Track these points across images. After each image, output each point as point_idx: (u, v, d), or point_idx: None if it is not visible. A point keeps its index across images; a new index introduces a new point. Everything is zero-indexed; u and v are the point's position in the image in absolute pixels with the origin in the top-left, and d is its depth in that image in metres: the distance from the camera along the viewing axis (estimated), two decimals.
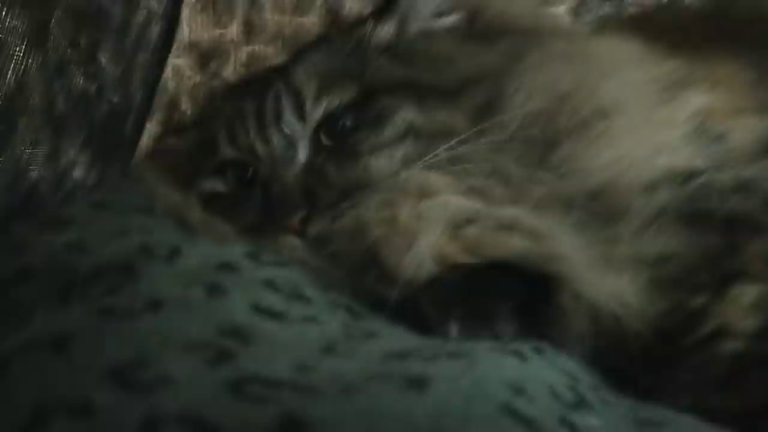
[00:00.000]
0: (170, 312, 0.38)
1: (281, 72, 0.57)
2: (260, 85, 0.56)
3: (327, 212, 0.49)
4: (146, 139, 0.66)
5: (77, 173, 0.61)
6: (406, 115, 0.51)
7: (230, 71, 0.64)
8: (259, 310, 0.40)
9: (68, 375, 0.32)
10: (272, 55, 0.64)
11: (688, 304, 0.44)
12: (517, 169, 0.47)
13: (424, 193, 0.46)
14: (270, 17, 0.65)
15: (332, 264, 0.48)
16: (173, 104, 0.65)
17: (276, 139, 0.54)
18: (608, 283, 0.44)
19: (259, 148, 0.54)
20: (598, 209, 0.46)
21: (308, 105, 0.53)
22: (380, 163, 0.50)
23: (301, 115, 0.53)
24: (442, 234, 0.44)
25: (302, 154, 0.53)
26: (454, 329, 0.43)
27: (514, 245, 0.44)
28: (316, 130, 0.53)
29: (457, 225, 0.45)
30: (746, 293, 0.44)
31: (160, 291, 0.39)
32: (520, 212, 0.45)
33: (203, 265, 0.44)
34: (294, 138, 0.53)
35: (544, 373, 0.37)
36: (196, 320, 0.37)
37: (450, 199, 0.46)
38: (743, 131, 0.49)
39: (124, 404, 0.30)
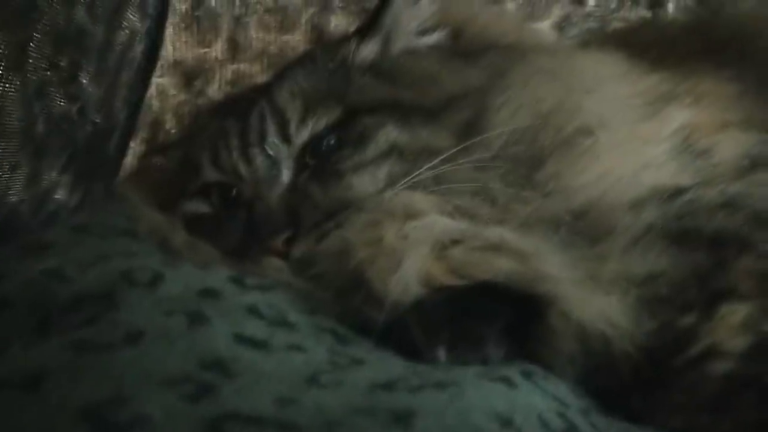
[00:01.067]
0: (150, 344, 0.36)
1: (265, 91, 0.55)
2: (244, 105, 0.54)
3: (311, 233, 0.48)
4: (130, 158, 0.64)
5: (59, 195, 0.59)
6: (389, 133, 0.50)
7: (215, 89, 0.63)
8: (242, 339, 0.38)
9: (41, 416, 0.29)
10: (257, 73, 0.62)
11: (677, 324, 0.43)
12: (502, 188, 0.45)
13: (410, 214, 0.45)
14: (254, 35, 0.63)
15: (317, 286, 0.46)
16: (157, 123, 0.64)
17: (259, 160, 0.52)
18: (596, 302, 0.42)
19: (243, 168, 0.52)
20: (585, 228, 0.44)
21: (293, 127, 0.52)
22: (363, 182, 0.49)
23: (286, 137, 0.52)
24: (428, 255, 0.43)
25: (286, 174, 0.51)
26: (442, 354, 0.41)
27: (500, 266, 0.42)
28: (301, 152, 0.51)
29: (443, 246, 0.43)
30: (735, 312, 0.42)
31: (141, 321, 0.38)
32: (506, 232, 0.43)
33: (185, 292, 0.42)
34: (278, 159, 0.52)
35: (533, 400, 0.35)
36: (176, 352, 0.35)
37: (436, 220, 0.44)
38: (728, 146, 0.48)
39: None
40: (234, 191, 0.53)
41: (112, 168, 0.63)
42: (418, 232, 0.44)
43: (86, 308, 0.39)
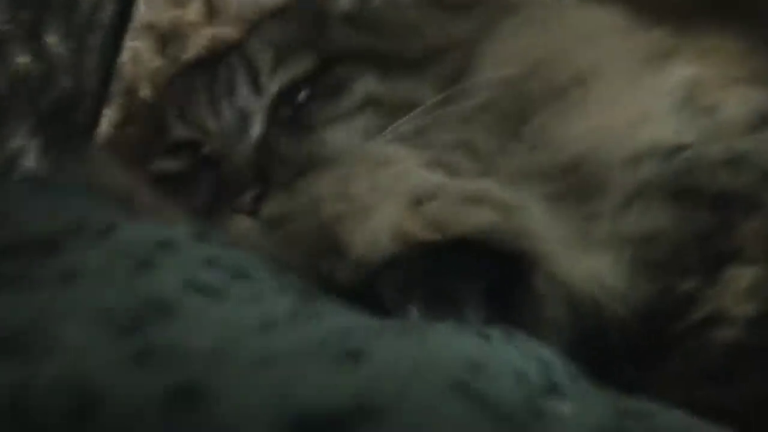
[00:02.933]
0: (86, 283, 0.32)
1: (236, 46, 0.52)
2: (212, 60, 0.52)
3: (281, 190, 0.44)
4: (105, 127, 0.61)
5: (28, 162, 0.57)
6: (366, 84, 0.47)
7: (192, 55, 0.60)
8: (193, 285, 0.34)
9: None
10: (236, 38, 0.59)
11: (677, 288, 0.39)
12: (487, 141, 0.42)
13: (382, 165, 0.42)
14: None
15: (287, 247, 0.43)
16: (132, 90, 0.61)
17: (228, 114, 0.49)
18: (586, 263, 0.38)
19: (211, 123, 0.49)
20: (575, 183, 0.41)
21: (263, 77, 0.49)
22: (337, 136, 0.46)
23: (256, 88, 0.49)
24: (402, 208, 0.39)
25: (256, 129, 0.48)
26: (414, 313, 0.38)
27: (481, 219, 0.39)
28: (272, 104, 0.48)
29: (418, 199, 0.40)
30: (742, 276, 0.39)
31: (81, 263, 0.34)
32: (489, 184, 0.40)
33: (139, 241, 0.38)
34: (247, 112, 0.48)
35: (511, 355, 0.32)
36: (114, 291, 0.32)
37: (410, 170, 0.41)
38: (736, 103, 0.44)
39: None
40: (203, 149, 0.50)
41: (84, 136, 0.60)
42: (390, 183, 0.41)
43: (24, 253, 0.36)
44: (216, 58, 0.53)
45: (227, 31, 0.59)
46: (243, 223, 0.45)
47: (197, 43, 0.59)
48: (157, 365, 0.25)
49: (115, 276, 0.34)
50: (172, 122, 0.51)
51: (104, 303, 0.31)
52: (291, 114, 0.48)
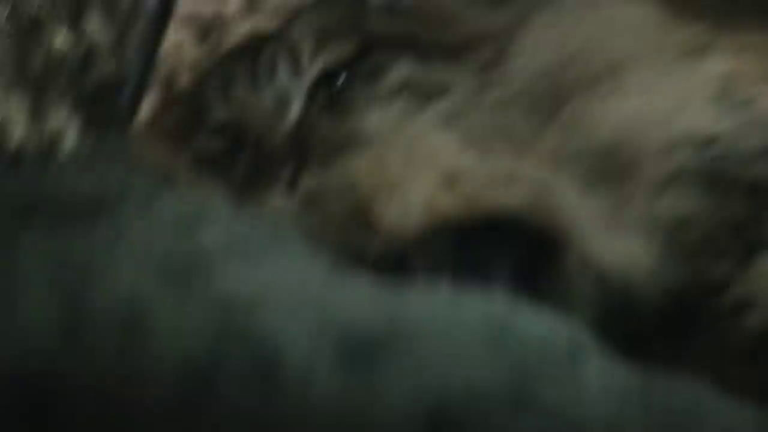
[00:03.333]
0: (133, 241, 0.34)
1: (277, 33, 0.53)
2: (253, 49, 0.53)
3: (318, 168, 0.45)
4: (146, 112, 0.63)
5: (68, 143, 0.58)
6: (403, 68, 0.47)
7: (232, 44, 0.61)
8: (228, 247, 0.35)
9: None
10: (275, 28, 0.60)
11: (708, 272, 0.39)
12: (522, 125, 0.43)
13: (416, 145, 0.42)
14: None
15: (322, 223, 0.43)
16: (172, 78, 0.62)
17: (269, 95, 0.49)
18: (618, 244, 0.39)
19: (252, 103, 0.50)
20: (608, 167, 0.41)
21: (304, 60, 0.49)
22: (374, 117, 0.46)
23: (297, 70, 0.49)
24: (434, 185, 0.40)
25: (295, 109, 0.48)
26: (443, 287, 0.38)
27: (513, 198, 0.39)
28: (313, 87, 0.49)
29: (451, 177, 0.40)
30: None
31: (127, 226, 0.36)
32: (522, 165, 0.41)
33: (179, 210, 0.39)
34: (288, 94, 0.49)
35: (536, 322, 0.32)
36: (160, 247, 0.33)
37: (444, 149, 0.42)
38: None
39: None
40: (243, 129, 0.51)
41: (124, 120, 0.61)
42: (425, 159, 0.41)
43: (72, 218, 0.37)
44: (256, 47, 0.54)
45: (266, 23, 0.60)
46: (279, 200, 0.46)
47: (237, 34, 0.60)
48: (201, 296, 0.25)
49: (158, 238, 0.35)
50: (213, 104, 0.52)
51: (151, 253, 0.32)
52: (330, 96, 0.48)
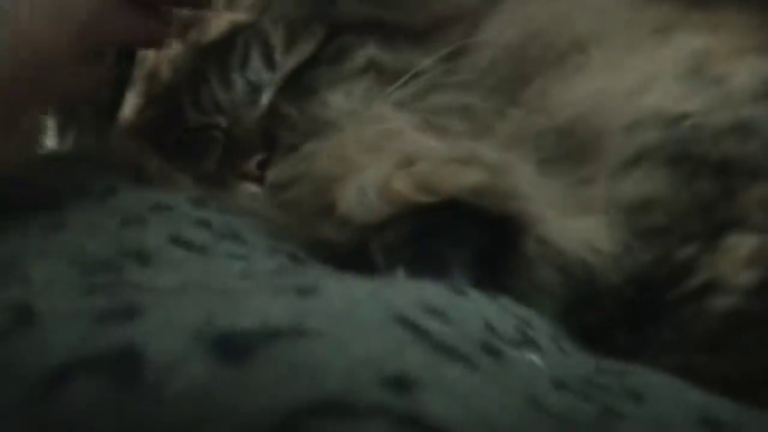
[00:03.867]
0: (69, 233, 0.33)
1: (250, 25, 0.52)
2: (227, 41, 0.52)
3: (285, 155, 0.44)
4: (127, 112, 0.63)
5: (49, 141, 0.58)
6: (368, 50, 0.46)
7: (209, 38, 0.60)
8: (177, 241, 0.34)
9: None
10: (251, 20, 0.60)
11: (674, 255, 0.38)
12: (485, 105, 0.42)
13: (374, 126, 0.41)
14: None
15: (287, 210, 0.42)
16: (153, 75, 0.62)
17: (240, 86, 0.48)
18: (578, 227, 0.37)
19: (222, 97, 0.49)
20: (569, 147, 0.40)
21: (277, 54, 0.48)
22: (339, 99, 0.45)
23: (270, 63, 0.49)
24: (390, 167, 0.39)
25: (265, 98, 0.48)
26: (401, 276, 0.37)
27: (469, 180, 0.38)
28: (285, 79, 0.48)
29: (408, 159, 0.39)
30: (742, 244, 0.38)
31: (73, 217, 0.35)
32: (479, 146, 0.39)
33: (135, 204, 0.38)
34: (260, 86, 0.48)
35: (483, 308, 0.31)
36: (96, 242, 0.32)
37: (402, 131, 0.41)
38: (745, 72, 0.43)
39: None
40: (214, 131, 0.49)
41: (105, 118, 0.61)
42: (380, 142, 0.40)
43: (24, 211, 0.36)
44: (231, 38, 0.53)
45: (243, 15, 0.59)
46: (249, 189, 0.45)
47: (215, 28, 0.60)
48: (106, 295, 0.25)
49: (103, 229, 0.34)
50: (186, 108, 0.51)
51: (83, 248, 0.31)
52: (298, 82, 0.47)
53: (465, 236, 0.38)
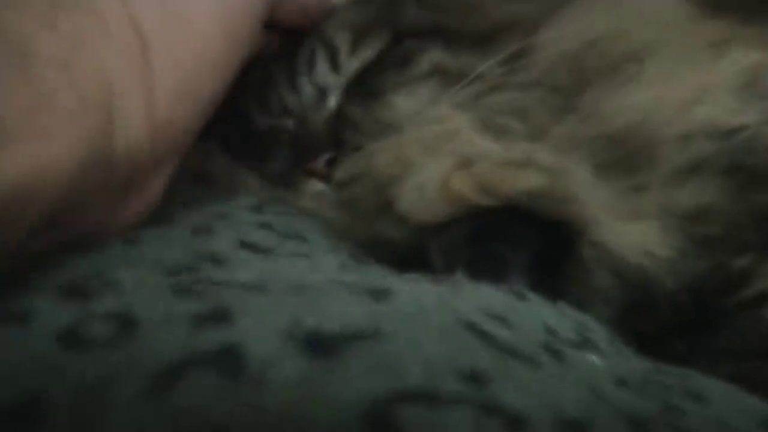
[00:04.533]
0: (148, 245, 0.34)
1: (314, 30, 0.52)
2: (292, 46, 0.53)
3: (351, 155, 0.45)
4: None
5: None
6: (432, 55, 0.47)
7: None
8: (244, 244, 0.35)
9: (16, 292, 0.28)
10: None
11: (729, 264, 0.38)
12: (540, 110, 0.42)
13: (433, 127, 0.42)
14: None
15: (350, 209, 0.43)
16: None
17: (307, 90, 0.49)
18: (633, 232, 0.38)
19: (290, 100, 0.50)
20: (622, 154, 0.40)
21: (342, 56, 0.49)
22: (404, 101, 0.46)
23: (335, 66, 0.49)
24: (451, 168, 0.39)
25: (332, 101, 0.49)
26: (460, 278, 0.38)
27: (527, 181, 0.38)
28: (351, 82, 0.49)
29: (467, 160, 0.39)
30: None
31: (144, 231, 0.36)
32: (537, 150, 0.39)
33: (201, 216, 0.40)
34: (326, 88, 0.49)
35: (543, 311, 0.31)
36: (172, 250, 0.33)
37: (460, 131, 0.41)
38: None
39: (60, 308, 0.26)
40: (281, 134, 0.50)
41: None
42: (438, 142, 0.41)
43: None
44: (297, 43, 0.53)
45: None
46: (315, 187, 0.46)
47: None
48: (193, 295, 0.26)
49: (175, 239, 0.35)
50: (253, 110, 0.52)
51: (160, 256, 0.32)
52: (364, 85, 0.48)
53: (522, 239, 0.38)
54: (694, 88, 0.42)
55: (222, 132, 0.57)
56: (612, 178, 0.39)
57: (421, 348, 0.23)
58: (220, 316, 0.23)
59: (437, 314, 0.25)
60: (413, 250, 0.39)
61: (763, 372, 0.36)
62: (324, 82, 0.49)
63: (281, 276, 0.30)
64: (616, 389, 0.27)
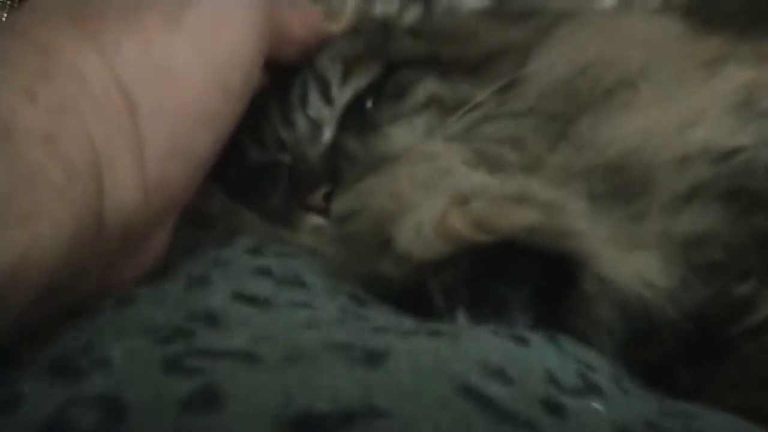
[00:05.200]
0: (140, 305, 0.33)
1: (306, 64, 0.52)
2: (284, 80, 0.53)
3: (349, 188, 0.44)
4: None
5: None
6: (427, 85, 0.46)
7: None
8: (241, 297, 0.34)
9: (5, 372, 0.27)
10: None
11: (732, 291, 0.37)
12: (535, 139, 0.41)
13: (427, 162, 0.41)
14: None
15: (348, 244, 0.42)
16: None
17: (302, 124, 0.49)
18: (634, 263, 0.36)
19: (284, 135, 0.49)
20: (619, 182, 0.39)
21: (334, 88, 0.49)
22: (400, 133, 0.45)
23: (328, 99, 0.49)
24: (447, 205, 0.38)
25: (327, 134, 0.48)
26: (461, 317, 0.36)
27: (524, 217, 0.37)
28: (344, 112, 0.48)
29: (464, 197, 0.38)
30: None
31: (137, 291, 0.35)
32: (532, 182, 0.38)
33: (197, 263, 0.39)
34: (320, 121, 0.48)
35: (544, 356, 0.30)
36: (165, 310, 0.32)
37: (454, 166, 0.40)
38: None
39: (48, 391, 0.26)
40: (278, 169, 0.50)
41: None
42: (434, 178, 0.40)
43: None
44: (289, 77, 0.53)
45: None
46: (314, 221, 0.45)
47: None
48: (185, 370, 0.25)
49: (169, 296, 0.34)
50: (249, 146, 0.51)
51: (153, 320, 0.31)
52: (359, 118, 0.48)
53: (523, 276, 0.37)
54: (689, 110, 0.41)
55: (218, 170, 0.57)
56: (610, 208, 0.38)
57: (415, 427, 0.22)
58: (210, 399, 0.23)
59: (434, 382, 0.25)
60: (413, 287, 0.39)
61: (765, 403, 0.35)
62: (318, 116, 0.49)
63: (276, 336, 0.29)
64: None
